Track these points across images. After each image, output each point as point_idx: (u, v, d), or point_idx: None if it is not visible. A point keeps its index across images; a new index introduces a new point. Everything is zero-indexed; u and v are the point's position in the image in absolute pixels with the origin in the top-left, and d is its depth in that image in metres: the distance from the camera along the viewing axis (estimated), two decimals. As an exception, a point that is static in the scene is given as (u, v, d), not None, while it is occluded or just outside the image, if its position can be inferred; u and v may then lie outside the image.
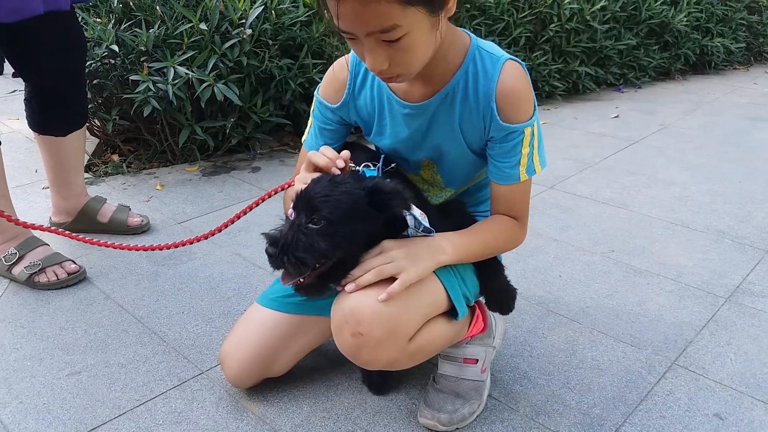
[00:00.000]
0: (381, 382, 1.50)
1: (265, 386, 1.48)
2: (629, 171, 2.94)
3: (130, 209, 2.31)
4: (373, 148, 1.44)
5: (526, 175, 1.25)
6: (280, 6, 2.93)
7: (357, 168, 1.22)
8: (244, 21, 2.75)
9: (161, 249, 1.48)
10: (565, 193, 2.67)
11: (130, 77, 2.63)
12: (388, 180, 1.14)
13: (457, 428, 1.37)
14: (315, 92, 1.40)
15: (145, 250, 1.60)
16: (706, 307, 1.86)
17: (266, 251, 1.11)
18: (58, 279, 1.92)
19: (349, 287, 1.14)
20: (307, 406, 1.45)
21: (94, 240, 1.57)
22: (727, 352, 1.66)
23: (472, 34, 1.25)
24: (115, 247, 1.53)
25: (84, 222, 2.23)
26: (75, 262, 1.98)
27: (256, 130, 3.00)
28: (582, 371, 1.58)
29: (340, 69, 1.35)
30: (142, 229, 2.28)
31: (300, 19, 2.98)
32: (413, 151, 1.35)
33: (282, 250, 1.08)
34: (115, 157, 2.99)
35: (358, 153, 1.38)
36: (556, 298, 1.89)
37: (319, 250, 1.09)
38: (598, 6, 4.13)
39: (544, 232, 2.31)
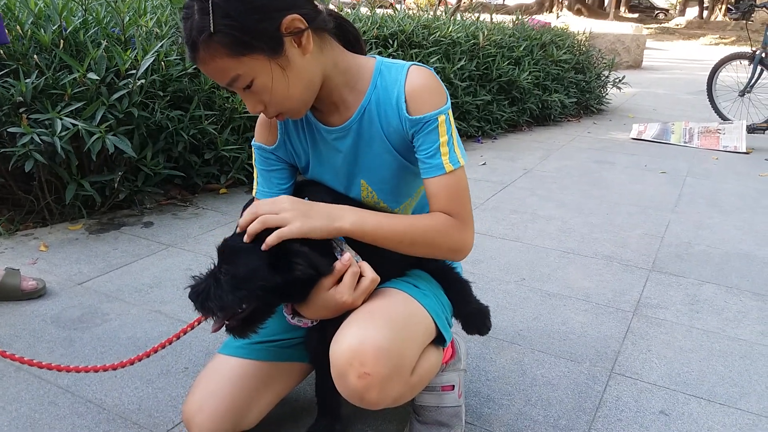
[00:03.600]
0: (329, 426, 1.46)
1: (239, 440, 1.39)
2: (512, 210, 3.17)
3: (20, 272, 2.07)
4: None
5: (450, 164, 1.22)
6: (168, 58, 2.84)
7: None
8: (132, 71, 2.64)
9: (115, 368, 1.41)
10: (464, 232, 2.82)
11: (7, 130, 2.38)
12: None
13: (447, 454, 1.38)
14: (252, 143, 1.40)
15: (96, 371, 1.46)
16: (620, 321, 2.05)
17: (189, 296, 1.16)
18: (-49, 354, 1.66)
19: (245, 239, 1.14)
20: (289, 453, 1.38)
21: (44, 363, 1.39)
22: (650, 357, 1.84)
23: (378, 56, 1.32)
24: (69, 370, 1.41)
25: (-34, 290, 1.96)
26: (-31, 334, 1.72)
27: (146, 183, 2.84)
28: (537, 388, 1.67)
29: None
30: (39, 294, 2.05)
31: (188, 71, 2.91)
32: (351, 176, 1.35)
33: (199, 299, 1.15)
34: (-24, 221, 2.66)
35: (313, 189, 1.39)
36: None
37: (226, 303, 1.14)
38: (458, 65, 4.49)
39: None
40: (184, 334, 1.43)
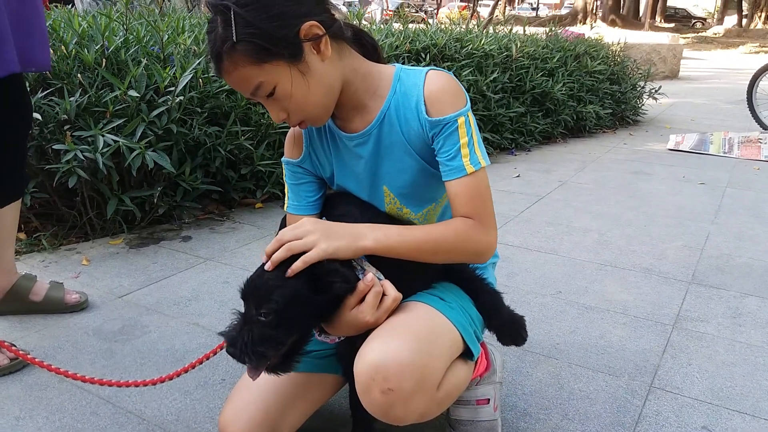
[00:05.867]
0: None
1: (276, 451, 1.40)
2: (547, 222, 3.14)
3: (64, 286, 2.13)
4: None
5: (471, 166, 1.23)
6: (205, 75, 2.91)
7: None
8: (171, 88, 2.70)
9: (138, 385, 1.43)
10: (498, 244, 2.79)
11: (52, 147, 2.46)
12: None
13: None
14: (282, 159, 1.43)
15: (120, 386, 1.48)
16: (658, 335, 2.01)
17: (227, 351, 1.13)
18: (-1, 365, 1.72)
19: (267, 266, 1.13)
20: (325, 466, 1.38)
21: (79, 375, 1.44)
22: (691, 371, 1.80)
23: (398, 64, 1.34)
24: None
25: (13, 302, 2.02)
26: (15, 345, 1.77)
27: (184, 198, 2.90)
28: (575, 402, 1.64)
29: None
30: (81, 306, 2.10)
31: (225, 87, 2.97)
32: (373, 183, 1.36)
33: (241, 349, 1.11)
34: (22, 235, 2.75)
35: (344, 200, 1.41)
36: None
37: (274, 342, 1.12)
38: (490, 78, 4.48)
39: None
40: (221, 349, 1.45)
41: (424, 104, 1.24)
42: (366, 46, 1.33)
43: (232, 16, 1.10)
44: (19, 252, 2.58)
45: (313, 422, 1.47)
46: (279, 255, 1.12)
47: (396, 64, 1.34)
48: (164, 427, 1.52)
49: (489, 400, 1.44)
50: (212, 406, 1.61)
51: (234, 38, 1.10)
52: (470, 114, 1.26)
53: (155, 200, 2.77)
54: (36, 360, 1.47)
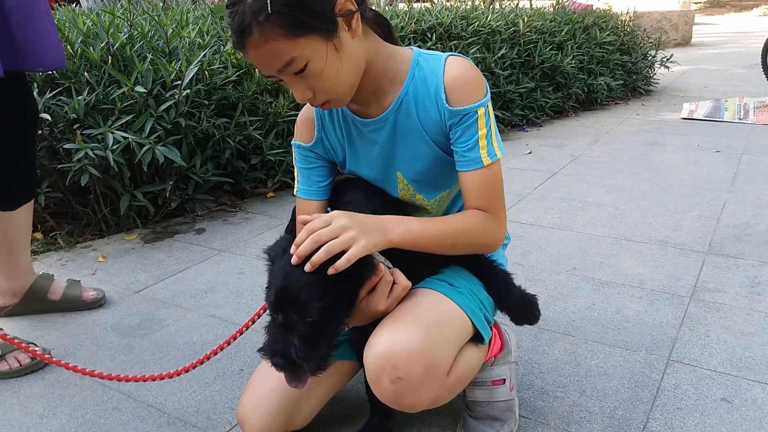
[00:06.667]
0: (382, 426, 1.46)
1: (292, 439, 1.41)
2: (561, 198, 3.12)
3: (81, 283, 2.15)
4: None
5: (488, 158, 1.23)
6: (211, 67, 2.91)
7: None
8: (178, 82, 2.71)
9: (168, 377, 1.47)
10: (511, 222, 2.79)
11: (63, 146, 2.48)
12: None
13: (502, 448, 1.37)
14: (292, 143, 1.42)
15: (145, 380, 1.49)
16: (676, 307, 1.99)
17: (275, 365, 1.10)
18: (21, 365, 1.75)
19: (294, 260, 1.10)
20: (344, 451, 1.40)
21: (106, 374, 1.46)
22: (709, 343, 1.79)
23: (415, 47, 1.32)
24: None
25: (32, 302, 2.05)
26: (37, 345, 1.80)
27: (196, 191, 2.91)
28: (592, 379, 1.64)
29: (304, 109, 1.39)
30: (99, 303, 2.13)
31: (231, 78, 2.97)
32: (387, 169, 1.35)
33: (297, 356, 1.08)
34: (39, 235, 2.78)
35: (352, 186, 1.40)
36: (542, 316, 1.94)
37: (326, 340, 1.13)
38: (498, 54, 4.43)
39: (508, 258, 2.39)
40: (234, 339, 1.47)
41: (444, 92, 1.22)
42: (384, 27, 1.31)
43: None
44: (37, 251, 2.61)
45: (331, 408, 1.49)
46: (319, 257, 1.07)
47: (413, 47, 1.31)
48: (185, 419, 1.54)
49: (505, 380, 1.44)
50: (231, 397, 1.63)
51: (269, 9, 1.03)
52: (489, 104, 1.24)
53: (167, 194, 2.79)
54: (53, 359, 1.49)
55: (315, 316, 1.09)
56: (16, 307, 2.04)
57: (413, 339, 1.11)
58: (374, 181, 1.38)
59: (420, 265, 1.26)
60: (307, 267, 1.09)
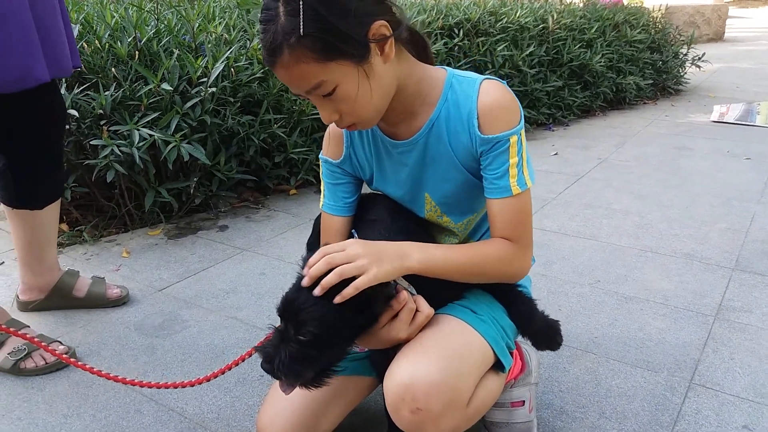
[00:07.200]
0: None
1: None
2: (586, 204, 3.08)
3: (105, 280, 2.18)
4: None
5: (518, 187, 1.21)
6: (237, 63, 2.91)
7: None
8: (204, 80, 2.71)
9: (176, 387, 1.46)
10: (535, 229, 2.74)
11: (90, 142, 2.51)
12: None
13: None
14: (320, 156, 1.42)
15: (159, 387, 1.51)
16: (700, 327, 1.96)
17: (262, 367, 1.13)
18: (47, 363, 1.78)
19: (305, 281, 1.10)
20: (361, 468, 1.40)
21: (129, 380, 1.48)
22: (732, 366, 1.76)
23: (449, 68, 1.29)
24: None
25: (57, 299, 2.08)
26: (62, 343, 1.84)
27: (220, 187, 2.93)
28: (612, 400, 1.63)
29: (334, 125, 1.37)
30: (123, 301, 2.16)
31: (257, 75, 2.97)
32: (415, 190, 1.34)
33: (277, 367, 1.10)
34: (64, 227, 2.82)
35: (377, 204, 1.40)
36: (564, 332, 1.92)
37: (310, 361, 1.12)
38: (526, 52, 4.38)
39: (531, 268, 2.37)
40: (255, 351, 1.47)
41: (477, 119, 1.20)
42: (418, 46, 1.29)
43: (301, 6, 1.02)
44: (62, 244, 2.65)
45: (350, 419, 1.49)
46: (330, 279, 1.07)
47: (447, 68, 1.29)
48: (205, 425, 1.56)
49: (524, 402, 1.43)
50: (251, 404, 1.64)
51: (301, 31, 1.02)
52: (522, 132, 1.22)
53: (191, 191, 2.81)
54: (75, 361, 1.51)
55: (307, 338, 1.10)
56: (42, 302, 2.08)
57: (434, 370, 1.10)
58: (401, 201, 1.38)
59: (443, 290, 1.25)
60: (317, 290, 1.08)
